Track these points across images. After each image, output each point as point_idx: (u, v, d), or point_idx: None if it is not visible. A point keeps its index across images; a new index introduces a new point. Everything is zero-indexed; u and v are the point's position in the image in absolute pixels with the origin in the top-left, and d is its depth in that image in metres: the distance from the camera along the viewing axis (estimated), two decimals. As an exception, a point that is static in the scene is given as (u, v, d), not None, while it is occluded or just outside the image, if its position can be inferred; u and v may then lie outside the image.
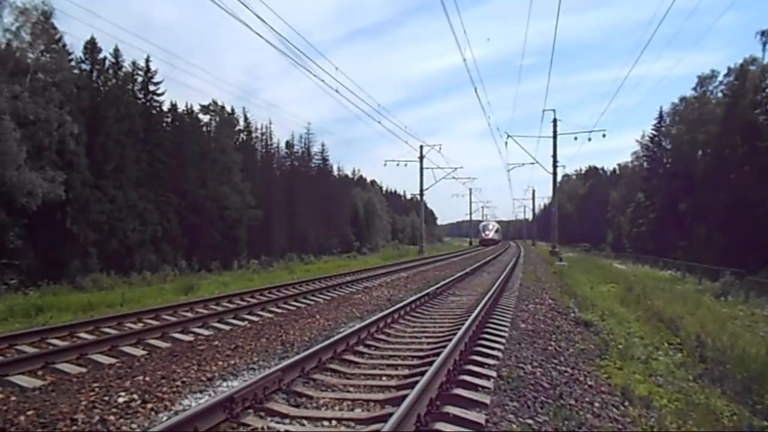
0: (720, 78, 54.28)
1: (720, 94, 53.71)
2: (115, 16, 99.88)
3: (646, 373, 8.14)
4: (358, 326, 8.60)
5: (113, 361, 7.27)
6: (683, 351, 10.84)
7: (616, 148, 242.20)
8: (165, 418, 4.94)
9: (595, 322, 11.31)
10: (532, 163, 45.52)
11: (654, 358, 9.55)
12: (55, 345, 7.98)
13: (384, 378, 6.43)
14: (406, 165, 48.30)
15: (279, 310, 11.89)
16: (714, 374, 8.99)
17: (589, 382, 6.75)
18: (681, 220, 51.14)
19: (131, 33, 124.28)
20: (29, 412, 5.16)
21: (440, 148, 47.89)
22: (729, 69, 51.46)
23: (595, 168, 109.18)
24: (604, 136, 36.37)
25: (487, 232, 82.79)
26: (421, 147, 47.63)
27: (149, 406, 5.36)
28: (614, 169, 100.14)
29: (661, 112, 63.10)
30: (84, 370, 6.81)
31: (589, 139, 36.13)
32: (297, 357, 6.45)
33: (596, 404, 5.87)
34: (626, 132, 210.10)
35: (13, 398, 5.67)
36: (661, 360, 9.52)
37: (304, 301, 13.42)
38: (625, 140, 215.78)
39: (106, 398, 5.55)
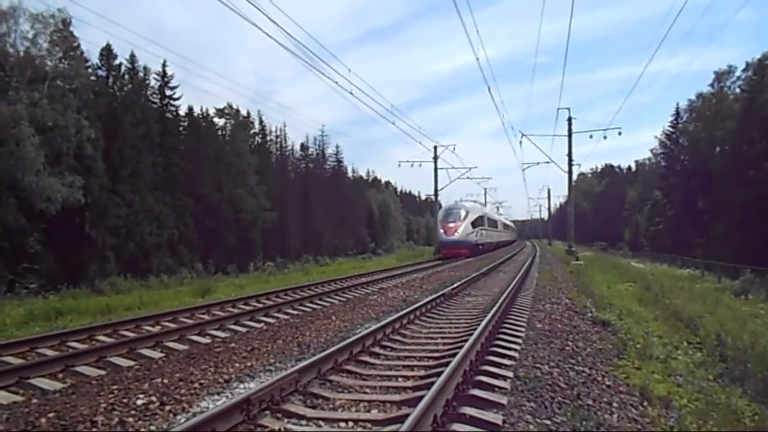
0: (738, 73, 53.73)
1: (738, 90, 53.01)
2: (129, 22, 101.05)
3: (665, 373, 8.03)
4: (373, 327, 8.59)
5: (131, 363, 7.35)
6: (703, 350, 10.69)
7: (632, 146, 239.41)
8: (183, 420, 4.98)
9: (612, 321, 11.19)
10: (547, 162, 44.95)
11: (673, 357, 9.43)
12: (74, 348, 8.09)
13: (400, 379, 6.43)
14: (420, 165, 47.82)
15: (295, 312, 11.93)
16: (734, 373, 8.85)
17: (607, 382, 6.68)
18: (699, 217, 50.47)
19: (146, 38, 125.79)
20: (50, 415, 5.23)
21: (454, 148, 46.84)
22: (747, 64, 50.87)
23: (611, 166, 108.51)
24: (620, 133, 35.88)
25: (450, 226, 35.75)
26: (435, 147, 47.31)
27: (167, 408, 5.41)
28: (630, 167, 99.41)
29: (677, 108, 62.60)
30: (103, 372, 6.90)
31: (605, 137, 35.79)
32: (313, 358, 6.46)
33: (614, 404, 5.81)
34: (642, 129, 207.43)
35: (34, 401, 5.76)
36: (680, 359, 9.40)
37: (319, 302, 13.45)
38: (642, 137, 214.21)
39: (125, 400, 5.60)
